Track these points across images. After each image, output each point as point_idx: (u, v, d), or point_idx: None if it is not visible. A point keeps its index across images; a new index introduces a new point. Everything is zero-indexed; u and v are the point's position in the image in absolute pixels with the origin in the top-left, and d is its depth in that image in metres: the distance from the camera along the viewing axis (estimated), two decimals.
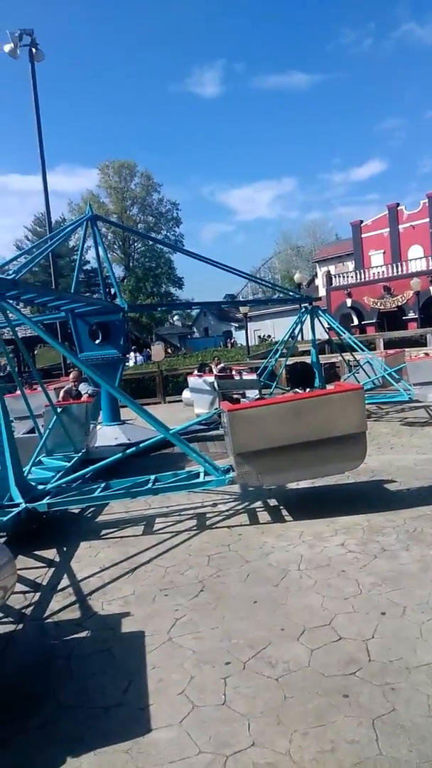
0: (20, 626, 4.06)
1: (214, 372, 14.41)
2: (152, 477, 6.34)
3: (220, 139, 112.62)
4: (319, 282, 49.89)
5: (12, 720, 3.00)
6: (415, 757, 2.48)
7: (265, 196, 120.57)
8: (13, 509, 5.62)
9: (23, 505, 5.71)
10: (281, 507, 6.33)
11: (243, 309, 33.91)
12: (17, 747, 2.79)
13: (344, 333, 13.31)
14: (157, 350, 21.87)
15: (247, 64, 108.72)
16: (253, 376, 13.88)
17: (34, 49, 18.67)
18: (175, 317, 67.66)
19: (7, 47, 18.36)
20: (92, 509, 6.89)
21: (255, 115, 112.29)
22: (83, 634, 3.85)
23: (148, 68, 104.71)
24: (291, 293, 18.06)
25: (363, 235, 45.25)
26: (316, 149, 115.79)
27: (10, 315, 6.68)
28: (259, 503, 6.55)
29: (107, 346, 10.56)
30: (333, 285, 43.37)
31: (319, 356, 13.29)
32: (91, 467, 6.69)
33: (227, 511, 6.43)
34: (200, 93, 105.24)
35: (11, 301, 6.71)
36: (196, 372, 15.17)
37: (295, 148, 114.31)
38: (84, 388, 9.80)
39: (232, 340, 51.40)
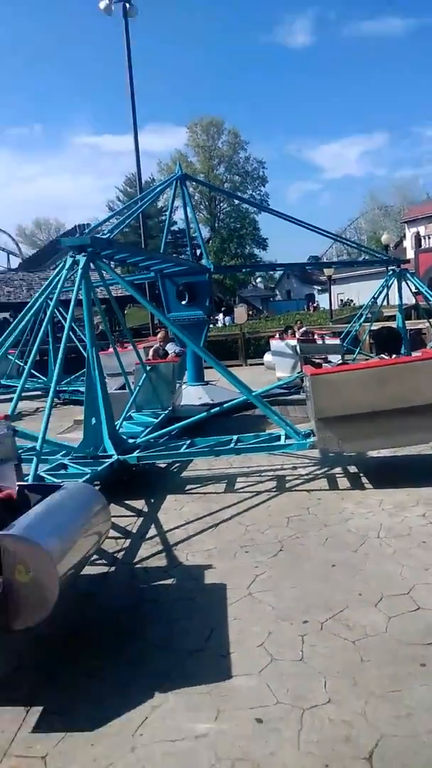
0: (113, 569, 4.38)
1: (297, 336, 14.26)
2: (234, 437, 6.48)
3: (309, 93, 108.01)
4: (408, 244, 47.32)
5: (105, 653, 3.28)
6: None
7: (353, 152, 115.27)
8: (107, 460, 5.96)
9: (116, 457, 6.04)
10: (361, 474, 6.29)
11: (327, 271, 33.00)
12: (108, 678, 3.06)
13: None
14: (240, 312, 21.88)
15: (339, 11, 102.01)
16: (336, 341, 13.62)
17: (128, 5, 18.53)
18: (258, 279, 66.95)
19: (102, 3, 18.35)
20: (178, 465, 7.16)
21: (347, 66, 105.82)
22: (169, 581, 4.10)
23: (237, 18, 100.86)
24: (378, 255, 17.36)
25: None
26: (411, 100, 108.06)
27: (105, 274, 6.92)
28: (338, 469, 6.54)
29: (193, 307, 10.70)
30: (423, 247, 41.07)
31: (406, 322, 12.78)
32: (177, 424, 6.93)
33: (307, 474, 6.48)
34: (291, 43, 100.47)
35: (106, 261, 6.93)
36: (278, 335, 15.08)
37: (388, 101, 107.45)
38: (171, 348, 10.04)
39: (315, 304, 50.26)
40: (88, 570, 4.01)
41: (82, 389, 7.12)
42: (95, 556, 4.22)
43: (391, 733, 2.52)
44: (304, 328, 15.46)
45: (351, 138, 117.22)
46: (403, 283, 12.14)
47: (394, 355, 6.38)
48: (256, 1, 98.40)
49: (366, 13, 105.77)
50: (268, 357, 14.63)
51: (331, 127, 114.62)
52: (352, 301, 40.61)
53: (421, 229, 45.31)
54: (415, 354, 9.25)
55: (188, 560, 4.41)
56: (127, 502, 5.82)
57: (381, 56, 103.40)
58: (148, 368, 8.17)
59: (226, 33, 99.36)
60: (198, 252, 14.43)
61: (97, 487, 4.79)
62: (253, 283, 65.68)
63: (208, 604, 3.74)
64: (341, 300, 45.46)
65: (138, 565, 4.40)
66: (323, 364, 9.90)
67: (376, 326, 13.04)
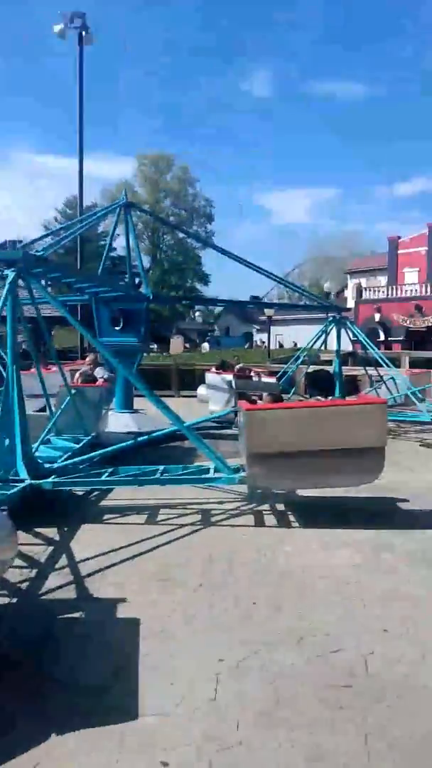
0: (14, 600, 4.03)
1: (234, 371, 14.31)
2: (161, 467, 6.28)
3: (263, 140, 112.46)
4: (349, 294, 49.43)
5: (1, 690, 2.95)
6: None
7: (304, 202, 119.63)
8: (18, 484, 5.59)
9: (28, 482, 5.68)
10: (289, 512, 6.23)
11: (268, 311, 33.71)
12: (3, 717, 2.74)
13: (370, 346, 13.15)
14: (176, 344, 21.83)
15: (299, 66, 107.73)
16: (273, 380, 13.76)
17: (84, 32, 18.65)
18: (197, 313, 67.65)
19: (57, 27, 18.40)
20: (97, 493, 6.84)
21: (302, 120, 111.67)
22: (77, 615, 3.82)
23: (199, 61, 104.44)
24: (320, 301, 17.90)
25: (399, 251, 44.75)
26: (363, 161, 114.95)
27: (35, 292, 6.65)
28: (266, 506, 6.46)
29: (127, 334, 10.51)
30: (363, 298, 42.97)
31: (342, 368, 13.12)
32: (100, 451, 6.65)
33: (233, 510, 6.35)
34: (250, 90, 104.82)
35: (36, 278, 6.68)
36: (214, 369, 15.09)
37: (341, 158, 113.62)
38: (100, 373, 9.77)
39: (255, 342, 51.31)
40: None
41: None
42: None
43: None
44: (241, 365, 15.56)
45: (303, 188, 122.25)
46: (342, 331, 12.50)
47: (329, 398, 6.45)
48: (219, 47, 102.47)
49: (326, 74, 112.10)
50: (202, 390, 14.58)
51: (284, 175, 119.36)
52: (295, 343, 41.56)
53: (363, 281, 47.49)
54: (349, 399, 9.44)
55: (100, 593, 4.14)
56: (37, 529, 5.44)
57: (337, 116, 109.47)
58: (72, 391, 7.86)
59: (190, 74, 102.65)
60: (137, 280, 14.32)
61: (4, 512, 4.44)
62: (192, 316, 66.29)
63: (118, 639, 3.50)
64: (279, 343, 46.38)
65: (43, 598, 4.08)
66: (258, 402, 9.91)
67: (312, 369, 13.33)
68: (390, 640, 3.52)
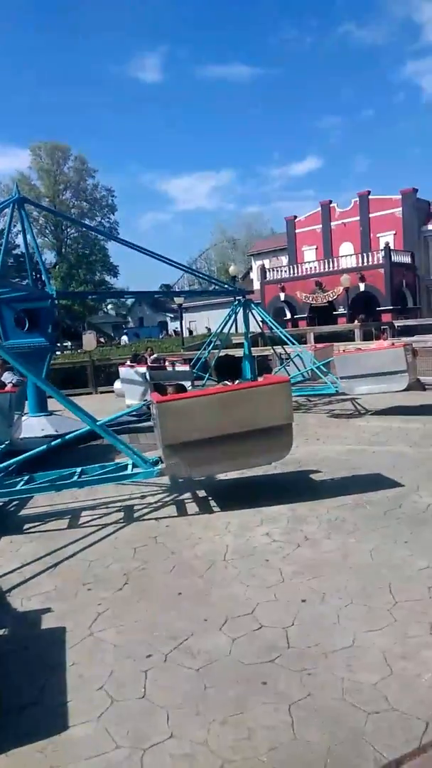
0: None
1: (148, 362, 14.28)
2: (78, 469, 6.20)
3: (160, 127, 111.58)
4: (254, 275, 50.42)
5: None
6: (327, 739, 2.56)
7: (204, 186, 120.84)
8: None
9: None
10: (209, 498, 6.37)
11: (178, 300, 33.80)
12: None
13: (276, 327, 13.53)
14: (89, 339, 21.41)
15: (189, 52, 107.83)
16: (186, 368, 13.87)
17: None
18: (110, 306, 66.53)
19: None
20: (15, 503, 6.66)
21: (196, 105, 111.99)
22: (0, 632, 3.72)
23: (89, 46, 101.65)
24: (225, 286, 18.14)
25: (297, 231, 46.13)
26: (256, 143, 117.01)
27: None
28: (188, 494, 6.56)
29: (34, 334, 10.20)
30: (267, 279, 43.98)
31: (252, 349, 13.43)
32: (14, 459, 6.45)
33: (156, 502, 6.40)
34: (141, 78, 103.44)
35: None
36: (128, 362, 14.98)
37: (235, 141, 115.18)
38: (8, 377, 9.45)
39: (168, 331, 51.19)
40: None
41: None
42: None
43: (232, 758, 2.48)
44: (155, 355, 15.54)
45: (201, 173, 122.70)
46: (249, 313, 12.75)
47: (236, 381, 6.61)
48: (108, 32, 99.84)
49: (215, 57, 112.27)
50: (118, 384, 14.45)
51: (182, 161, 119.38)
52: (209, 329, 41.83)
53: (266, 262, 48.55)
54: (260, 379, 9.69)
55: (23, 606, 4.05)
56: None
57: (228, 98, 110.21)
58: None
59: (81, 57, 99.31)
60: (41, 277, 13.90)
61: None
62: (104, 309, 65.09)
63: (43, 651, 3.45)
64: (189, 330, 46.58)
65: None
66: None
67: (222, 353, 13.51)
68: (308, 609, 3.72)
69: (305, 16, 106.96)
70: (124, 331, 56.55)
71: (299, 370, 12.43)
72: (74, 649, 3.45)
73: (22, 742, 2.66)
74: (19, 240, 37.25)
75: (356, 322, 30.43)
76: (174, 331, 50.05)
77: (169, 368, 14.27)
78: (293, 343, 13.12)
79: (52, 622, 3.78)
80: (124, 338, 47.85)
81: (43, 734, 2.70)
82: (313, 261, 43.06)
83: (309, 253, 44.90)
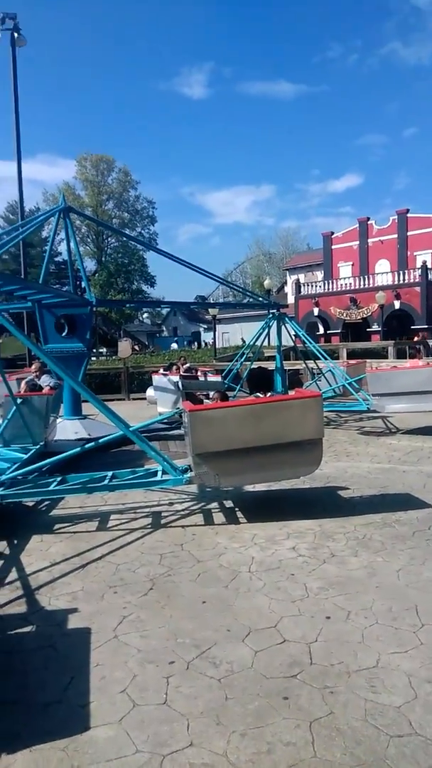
0: None
1: (181, 371, 14.37)
2: (109, 473, 6.29)
3: (203, 141, 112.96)
4: (289, 289, 50.40)
5: None
6: (348, 760, 2.53)
7: (243, 200, 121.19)
8: None
9: None
10: (236, 509, 6.37)
11: (212, 311, 33.97)
12: None
13: (309, 341, 13.49)
14: (124, 347, 21.69)
15: (234, 69, 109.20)
16: (218, 378, 13.90)
17: (16, 34, 18.29)
18: (145, 315, 67.31)
19: None
20: (47, 503, 6.79)
21: (239, 120, 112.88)
22: (28, 629, 3.79)
23: (137, 63, 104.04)
24: (260, 299, 18.18)
25: (333, 247, 45.94)
26: (297, 159, 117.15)
27: None
28: (215, 504, 6.58)
29: (73, 340, 10.43)
30: (301, 293, 43.86)
31: (284, 362, 13.42)
32: (48, 460, 6.59)
33: (183, 510, 6.43)
34: (187, 93, 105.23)
35: None
36: (161, 370, 15.11)
37: (276, 156, 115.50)
38: (46, 380, 9.64)
39: (195, 342, 51.57)
40: None
41: None
42: None
43: None
44: (188, 365, 15.63)
45: (241, 187, 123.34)
46: (283, 326, 12.76)
47: (268, 394, 6.62)
48: (156, 49, 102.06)
49: (260, 74, 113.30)
50: (150, 392, 14.56)
51: (223, 175, 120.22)
52: (243, 340, 41.85)
53: (301, 277, 48.46)
54: (290, 393, 9.66)
55: (51, 604, 4.13)
56: None
57: (271, 115, 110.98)
58: (18, 401, 7.75)
59: (129, 73, 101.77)
60: (82, 284, 14.20)
61: None
62: (140, 318, 65.88)
63: (69, 650, 3.50)
64: (209, 342, 46.53)
65: None
66: (204, 401, 10.02)
67: (255, 365, 13.55)
68: (332, 626, 3.68)
69: (351, 35, 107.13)
70: (175, 339, 57.00)
71: (331, 386, 12.34)
72: (98, 650, 3.49)
73: (45, 739, 2.71)
74: (62, 248, 38.20)
75: (416, 339, 30.08)
76: (204, 342, 50.38)
77: (201, 378, 14.33)
78: (325, 358, 13.04)
79: (78, 622, 3.84)
80: (174, 345, 48.37)
81: (66, 733, 2.75)
82: (349, 277, 42.79)
83: (344, 269, 44.66)
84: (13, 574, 4.71)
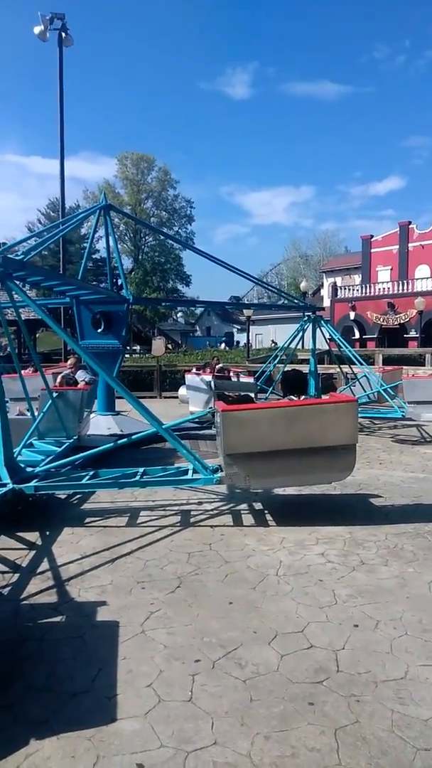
0: None
1: (213, 372, 14.41)
2: (141, 470, 6.36)
3: (244, 141, 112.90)
4: (325, 292, 49.97)
5: None
6: None
7: (282, 201, 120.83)
8: (0, 489, 5.63)
9: (10, 486, 5.72)
10: (266, 511, 6.35)
11: (247, 312, 33.95)
12: None
13: (344, 345, 13.36)
14: (158, 345, 21.86)
15: (278, 69, 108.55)
16: (251, 380, 13.90)
17: (63, 34, 18.63)
18: (179, 314, 67.68)
19: (37, 29, 18.33)
20: (78, 496, 6.90)
21: (281, 121, 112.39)
22: (58, 619, 3.87)
23: (180, 63, 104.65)
24: (296, 300, 18.09)
25: (372, 250, 45.35)
26: (339, 160, 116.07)
27: (15, 296, 6.68)
28: (244, 505, 6.58)
29: (109, 336, 10.58)
30: (338, 296, 43.42)
31: (318, 366, 13.32)
32: (82, 454, 6.70)
33: (212, 510, 6.45)
34: (230, 94, 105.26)
35: (18, 282, 6.71)
36: (194, 370, 15.18)
37: (317, 157, 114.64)
38: (81, 376, 9.81)
39: (227, 342, 51.36)
40: None
41: None
42: None
43: None
44: (220, 365, 15.67)
45: (281, 188, 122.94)
46: (318, 330, 12.67)
47: (302, 397, 6.59)
48: (199, 49, 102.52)
49: (303, 75, 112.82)
50: (182, 390, 14.66)
51: (263, 175, 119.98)
52: (274, 342, 41.65)
53: (338, 280, 47.99)
54: (324, 397, 9.59)
55: (80, 596, 4.20)
56: (19, 533, 5.50)
57: (314, 115, 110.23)
58: (54, 395, 7.90)
59: (172, 73, 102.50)
60: (118, 282, 14.37)
61: None
62: (174, 317, 66.27)
63: (97, 642, 3.56)
64: (271, 341, 46.33)
65: (24, 602, 4.12)
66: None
67: (288, 368, 13.46)
68: (360, 634, 3.65)
69: (398, 37, 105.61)
70: (223, 339, 56.93)
71: (365, 392, 12.20)
72: (126, 644, 3.54)
73: (73, 728, 2.76)
74: (100, 245, 38.70)
75: None
76: (237, 342, 50.21)
77: (234, 379, 14.34)
78: (361, 363, 12.89)
79: (107, 615, 3.90)
80: (223, 345, 48.20)
81: (93, 723, 2.79)
82: (387, 282, 42.17)
83: (383, 274, 44.02)
84: (45, 565, 4.81)
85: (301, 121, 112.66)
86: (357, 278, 46.92)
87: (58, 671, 3.26)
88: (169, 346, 43.16)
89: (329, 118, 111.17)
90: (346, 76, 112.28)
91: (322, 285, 54.89)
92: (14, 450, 6.49)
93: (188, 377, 14.23)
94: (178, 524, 5.92)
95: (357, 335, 41.78)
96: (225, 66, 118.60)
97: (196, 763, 2.55)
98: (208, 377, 13.19)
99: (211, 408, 9.09)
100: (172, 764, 2.53)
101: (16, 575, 4.59)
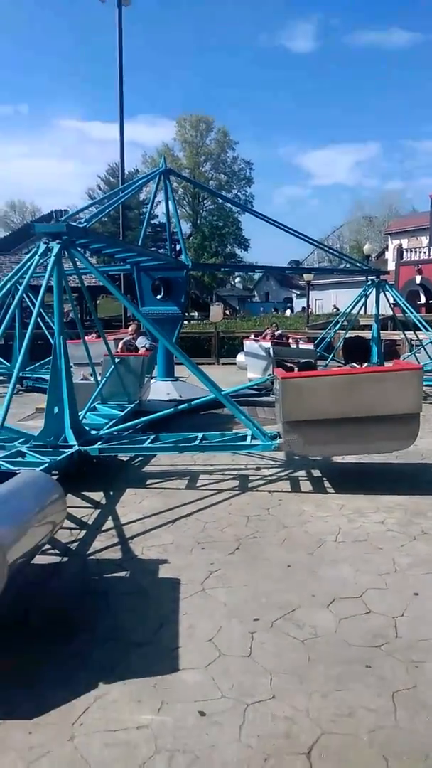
0: (65, 559, 4.32)
1: (272, 338, 14.31)
2: (200, 435, 6.47)
3: (307, 98, 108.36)
4: (389, 255, 48.09)
5: (50, 644, 3.23)
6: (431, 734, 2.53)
7: (346, 160, 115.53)
8: (67, 450, 5.88)
9: (76, 448, 5.96)
10: (324, 479, 6.35)
11: (307, 276, 33.26)
12: (53, 669, 3.00)
13: (409, 310, 12.92)
14: (216, 311, 21.84)
15: (343, 19, 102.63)
16: (311, 346, 13.72)
17: None
18: (237, 279, 67.13)
19: None
20: (140, 459, 7.12)
21: (345, 74, 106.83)
22: (122, 574, 4.06)
23: (240, 17, 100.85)
24: (359, 264, 17.57)
25: None
26: (408, 114, 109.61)
27: (78, 263, 6.83)
28: (302, 472, 6.59)
29: (168, 302, 10.67)
30: (403, 259, 41.73)
31: (381, 332, 12.98)
32: (143, 419, 6.89)
33: (270, 476, 6.51)
34: (292, 47, 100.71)
35: (80, 250, 6.85)
36: (252, 336, 15.12)
37: (385, 112, 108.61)
38: (142, 342, 9.98)
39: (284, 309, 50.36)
40: (40, 559, 3.95)
41: (47, 377, 7.01)
42: (48, 546, 4.15)
43: (332, 730, 2.54)
44: (279, 331, 15.53)
45: (345, 146, 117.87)
46: (382, 294, 12.31)
47: (364, 365, 6.46)
48: (259, 2, 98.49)
49: (369, 23, 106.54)
50: (240, 357, 14.65)
51: (327, 133, 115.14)
52: (336, 307, 40.83)
53: (404, 242, 46.04)
54: (387, 364, 9.37)
55: (143, 554, 4.38)
56: (85, 493, 5.76)
57: (381, 66, 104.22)
58: (116, 360, 8.10)
59: (227, 31, 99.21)
60: (177, 247, 14.37)
61: (55, 477, 4.72)
62: (232, 282, 65.82)
63: (159, 598, 3.72)
64: (333, 306, 45.44)
65: (91, 557, 4.35)
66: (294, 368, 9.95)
67: (350, 335, 13.19)
68: (420, 603, 3.63)
69: None
70: (288, 305, 56.03)
71: (431, 359, 11.81)
72: (186, 600, 3.67)
73: (137, 675, 2.92)
74: (158, 210, 38.69)
75: None
76: (299, 307, 49.33)
77: (293, 345, 14.20)
78: (427, 329, 12.45)
79: (169, 573, 4.05)
80: (288, 312, 47.15)
81: (157, 671, 2.95)
82: None
83: None
84: (109, 523, 5.03)
85: (368, 74, 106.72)
86: (424, 240, 44.77)
87: (124, 623, 3.43)
88: (227, 312, 43.02)
89: (399, 68, 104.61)
90: (417, 20, 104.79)
91: (386, 248, 52.80)
92: (79, 413, 6.74)
93: (246, 344, 14.20)
94: (237, 488, 6.02)
95: (423, 300, 40.14)
96: (286, 19, 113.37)
97: (255, 715, 2.65)
98: (267, 344, 13.11)
99: (269, 375, 9.08)
100: (232, 714, 2.64)
101: (83, 532, 4.83)
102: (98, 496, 5.74)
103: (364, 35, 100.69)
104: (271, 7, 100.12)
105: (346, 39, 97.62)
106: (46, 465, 5.24)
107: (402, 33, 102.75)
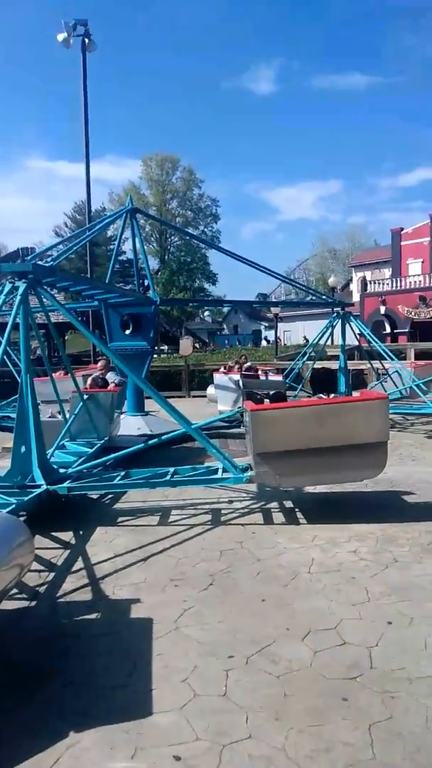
0: (33, 603, 4.19)
1: (241, 371, 14.42)
2: (171, 469, 6.43)
3: (269, 138, 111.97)
4: (354, 287, 49.38)
5: (18, 692, 3.12)
6: (409, 766, 2.51)
7: (309, 196, 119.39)
8: (35, 490, 5.77)
9: (44, 487, 5.86)
10: (296, 509, 6.36)
11: (274, 309, 33.83)
12: (21, 718, 2.89)
13: (374, 341, 13.23)
14: (186, 344, 21.93)
15: (303, 63, 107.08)
16: (279, 378, 13.87)
17: (87, 40, 18.85)
18: (206, 313, 67.81)
19: (61, 36, 18.55)
20: (110, 496, 7.02)
21: (307, 115, 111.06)
22: (93, 616, 3.96)
23: (203, 61, 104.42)
24: (324, 297, 17.98)
25: (402, 243, 44.60)
26: (367, 153, 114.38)
27: (45, 301, 6.84)
28: (274, 504, 6.59)
29: (137, 338, 10.71)
30: (368, 291, 42.86)
31: (348, 362, 13.22)
32: (113, 455, 6.82)
33: (242, 508, 6.49)
34: (254, 90, 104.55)
35: (47, 288, 6.87)
36: (221, 369, 15.22)
37: (345, 151, 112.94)
38: (111, 377, 9.95)
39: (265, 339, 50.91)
40: (7, 605, 3.83)
41: (14, 415, 6.92)
42: (15, 591, 4.03)
43: (309, 767, 2.50)
44: (248, 363, 15.66)
45: (308, 183, 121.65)
46: (347, 325, 12.58)
47: (331, 395, 6.57)
48: (223, 46, 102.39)
49: (330, 67, 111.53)
50: (211, 390, 14.70)
51: (290, 171, 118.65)
52: (306, 338, 41.39)
53: (368, 274, 47.35)
54: (355, 394, 9.53)
55: (115, 594, 4.29)
56: (53, 533, 5.63)
57: (341, 108, 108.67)
58: (85, 397, 8.04)
59: (194, 75, 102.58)
60: (145, 283, 14.53)
61: (23, 518, 4.62)
62: (201, 316, 66.42)
63: (132, 638, 3.64)
64: (303, 337, 45.90)
65: (61, 599, 4.24)
66: (264, 400, 10.03)
67: (318, 365, 13.42)
68: (394, 631, 3.64)
69: (426, 22, 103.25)
70: (265, 336, 56.49)
71: (397, 387, 12.06)
72: (160, 640, 3.60)
73: (111, 721, 2.83)
74: (126, 247, 39.03)
75: None
76: (266, 338, 49.90)
77: (262, 377, 14.33)
78: (392, 359, 12.74)
79: (142, 612, 3.98)
80: (264, 342, 47.51)
81: (130, 716, 2.86)
82: (418, 275, 41.40)
83: (414, 267, 43.26)
84: (79, 563, 4.92)
85: (328, 114, 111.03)
86: (387, 272, 46.21)
87: (95, 666, 3.34)
88: (197, 345, 43.25)
89: (358, 110, 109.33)
90: (373, 66, 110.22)
91: (351, 280, 54.27)
92: (47, 452, 6.65)
93: (216, 377, 14.27)
94: (209, 522, 5.97)
95: (388, 330, 41.15)
96: (248, 63, 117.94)
97: (232, 755, 2.59)
98: (236, 376, 13.21)
99: (239, 407, 9.13)
100: (208, 756, 2.58)
101: (52, 574, 4.71)
102: (68, 536, 5.63)
103: (323, 78, 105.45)
104: (233, 51, 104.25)
105: (306, 82, 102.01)
106: (13, 506, 5.13)
107: (360, 77, 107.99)
